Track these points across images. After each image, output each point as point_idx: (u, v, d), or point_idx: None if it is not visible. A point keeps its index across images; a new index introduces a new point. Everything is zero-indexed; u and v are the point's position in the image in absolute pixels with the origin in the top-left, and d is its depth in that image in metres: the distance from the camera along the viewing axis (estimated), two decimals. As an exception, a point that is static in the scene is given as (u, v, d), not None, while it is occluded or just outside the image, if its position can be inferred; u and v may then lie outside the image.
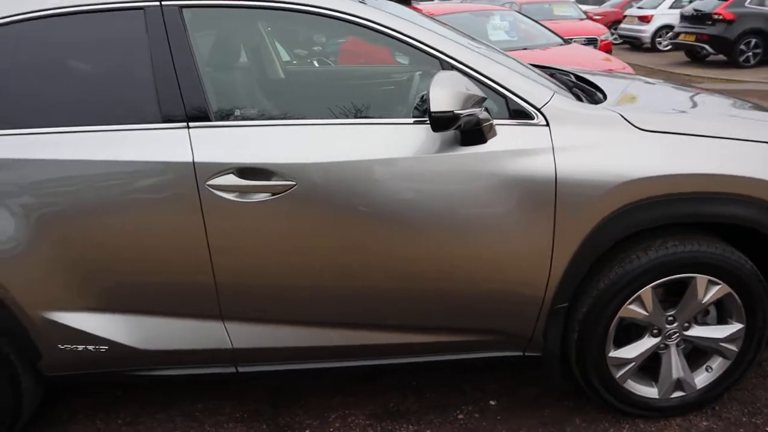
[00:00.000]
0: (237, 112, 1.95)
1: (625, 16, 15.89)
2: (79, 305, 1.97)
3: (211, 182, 1.83)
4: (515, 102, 1.91)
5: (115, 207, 1.86)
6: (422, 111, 1.93)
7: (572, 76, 2.61)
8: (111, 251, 1.90)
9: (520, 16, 8.00)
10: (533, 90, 1.93)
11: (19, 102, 1.91)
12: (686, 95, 2.54)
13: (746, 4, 11.01)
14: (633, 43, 15.25)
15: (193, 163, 1.82)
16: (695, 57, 12.43)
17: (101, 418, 2.36)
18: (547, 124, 1.90)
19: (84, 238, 1.88)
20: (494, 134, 1.82)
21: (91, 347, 2.01)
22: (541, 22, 7.88)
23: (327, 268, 1.93)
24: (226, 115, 1.93)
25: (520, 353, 2.15)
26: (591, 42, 9.36)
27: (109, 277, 1.94)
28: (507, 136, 1.87)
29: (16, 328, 1.96)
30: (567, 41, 7.39)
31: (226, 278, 1.93)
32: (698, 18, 11.49)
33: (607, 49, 9.24)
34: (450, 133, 1.85)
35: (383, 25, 1.92)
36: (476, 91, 1.75)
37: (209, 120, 1.87)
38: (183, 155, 1.83)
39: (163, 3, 1.90)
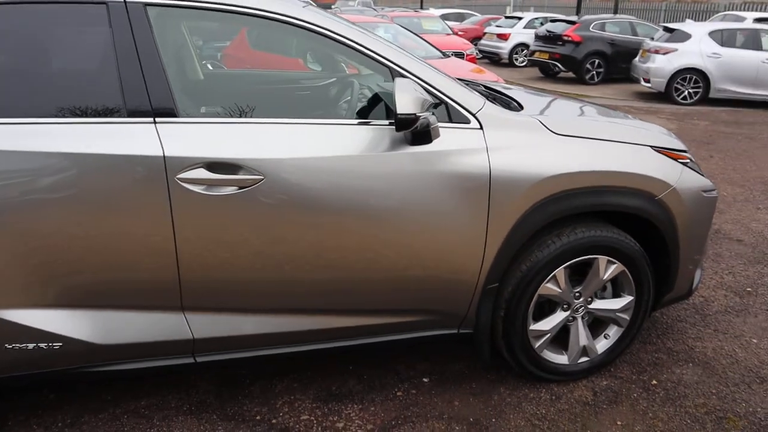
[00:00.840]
0: (203, 109, 1.99)
1: (485, 33, 17.21)
2: (33, 302, 1.89)
3: (180, 176, 1.86)
4: (454, 108, 2.16)
5: (77, 200, 1.83)
6: (363, 113, 2.12)
7: (482, 87, 2.93)
8: (71, 245, 1.86)
9: (401, 29, 8.45)
10: (469, 98, 2.20)
11: None
12: (577, 105, 2.97)
13: (590, 28, 12.49)
14: (492, 59, 16.56)
15: (164, 157, 1.85)
16: (548, 73, 13.82)
17: (37, 423, 2.24)
18: (481, 128, 2.17)
19: (43, 232, 1.83)
20: (438, 135, 2.05)
21: (43, 345, 1.93)
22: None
23: (287, 258, 2.03)
24: (191, 112, 1.97)
25: (455, 331, 2.40)
26: (458, 55, 10.07)
27: (69, 271, 1.89)
28: (448, 137, 2.11)
29: None
30: (445, 54, 7.94)
31: (190, 270, 1.97)
32: (551, 38, 12.81)
33: (473, 62, 10.03)
34: (399, 134, 2.06)
35: (339, 34, 2.08)
36: (429, 97, 1.97)
37: (176, 116, 1.91)
38: (152, 149, 1.85)
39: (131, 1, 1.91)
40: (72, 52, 1.92)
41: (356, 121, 2.09)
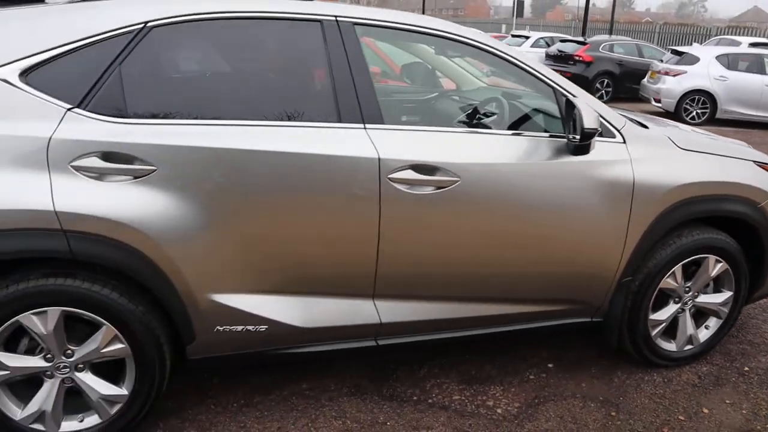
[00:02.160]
0: (404, 118, 2.31)
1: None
2: (246, 288, 2.16)
3: (391, 176, 2.17)
4: (604, 124, 2.50)
5: (297, 196, 2.11)
6: (545, 128, 2.46)
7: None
8: (285, 236, 2.13)
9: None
10: (614, 116, 2.55)
11: (216, 94, 2.10)
12: (678, 125, 3.31)
13: (600, 49, 13.06)
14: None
15: (378, 159, 2.16)
16: (556, 91, 14.32)
17: (214, 403, 2.50)
18: (624, 142, 2.52)
19: (261, 223, 2.10)
20: (594, 148, 2.40)
21: (251, 327, 2.20)
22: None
23: (471, 250, 2.35)
24: (394, 120, 2.28)
25: (589, 319, 2.73)
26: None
27: (283, 260, 2.16)
28: (600, 149, 2.45)
29: (177, 310, 2.09)
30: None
31: (387, 261, 2.26)
32: (562, 58, 13.36)
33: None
34: (562, 144, 2.40)
35: (519, 60, 2.43)
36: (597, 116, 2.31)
37: (382, 123, 2.22)
38: (369, 152, 2.15)
39: (338, 18, 2.22)
40: (292, 63, 2.22)
41: (528, 133, 2.42)
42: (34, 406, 2.10)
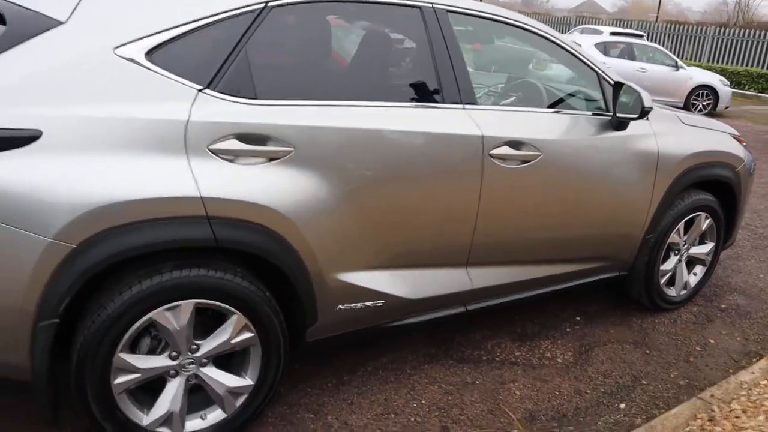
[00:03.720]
0: (492, 99, 2.51)
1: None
2: (367, 264, 2.25)
3: (492, 152, 2.37)
4: (635, 103, 2.90)
5: (410, 173, 2.23)
6: (595, 108, 2.79)
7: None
8: (401, 211, 2.25)
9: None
10: (645, 95, 2.94)
11: (337, 75, 2.16)
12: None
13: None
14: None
15: (482, 136, 2.35)
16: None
17: (310, 386, 2.54)
18: (648, 119, 2.93)
19: (381, 200, 2.20)
20: (629, 123, 2.78)
21: (369, 303, 2.30)
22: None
23: (550, 216, 2.63)
24: (483, 101, 2.48)
25: (617, 274, 3.14)
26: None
27: (395, 234, 2.27)
28: (632, 125, 2.84)
29: (306, 291, 2.12)
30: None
31: (482, 230, 2.46)
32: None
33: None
34: (606, 121, 2.75)
35: (570, 47, 2.72)
36: None
37: (475, 103, 2.41)
38: (474, 130, 2.33)
39: (434, 5, 2.37)
40: (400, 45, 2.34)
41: (586, 112, 2.74)
42: (160, 408, 2.02)
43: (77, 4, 1.84)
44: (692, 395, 2.64)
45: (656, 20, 22.28)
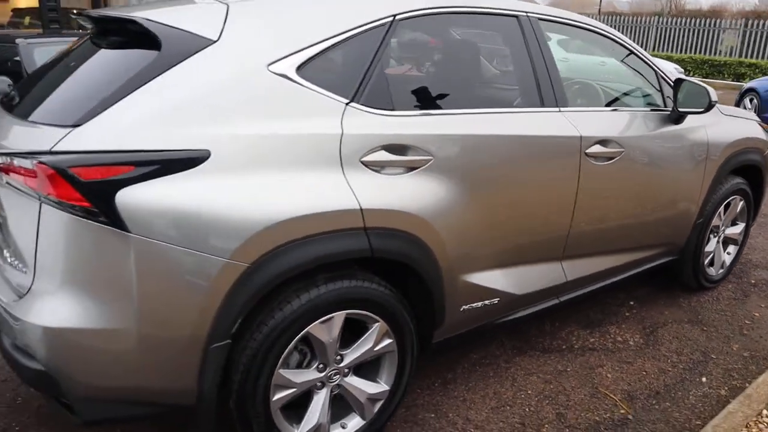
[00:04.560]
0: (579, 101, 2.64)
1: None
2: (486, 264, 2.35)
3: (587, 150, 2.50)
4: (686, 98, 3.10)
5: (524, 174, 2.35)
6: (648, 103, 2.96)
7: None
8: (516, 211, 2.36)
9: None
10: (712, 90, 3.13)
11: (460, 84, 2.25)
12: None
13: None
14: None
15: (580, 137, 2.47)
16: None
17: (420, 387, 2.62)
18: (697, 112, 3.14)
19: (501, 202, 2.30)
20: (686, 117, 2.98)
21: (487, 302, 2.40)
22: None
23: (633, 206, 2.81)
24: (571, 103, 2.60)
25: (672, 258, 3.34)
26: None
27: (509, 233, 2.38)
28: (687, 118, 3.04)
29: (438, 295, 2.19)
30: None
31: (576, 224, 2.59)
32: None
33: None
34: (666, 115, 2.93)
35: (633, 46, 2.88)
36: None
37: (567, 105, 2.53)
38: (573, 131, 2.45)
39: (529, 14, 2.48)
40: (505, 53, 2.44)
41: (646, 108, 2.92)
42: (310, 421, 2.05)
43: (224, 22, 1.84)
44: (760, 365, 2.86)
45: (599, 12, 23.15)
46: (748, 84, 9.59)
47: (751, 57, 15.84)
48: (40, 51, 5.21)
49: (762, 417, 2.41)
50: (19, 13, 11.44)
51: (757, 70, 13.71)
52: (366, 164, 1.93)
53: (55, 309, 1.67)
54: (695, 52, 18.14)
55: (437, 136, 2.07)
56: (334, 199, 1.85)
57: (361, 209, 1.89)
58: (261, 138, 1.77)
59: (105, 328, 1.68)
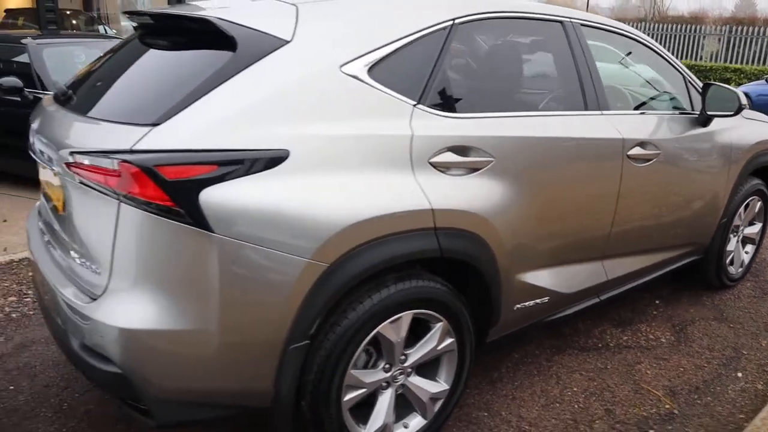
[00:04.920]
0: (618, 104, 2.69)
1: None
2: (538, 264, 2.39)
3: (629, 153, 2.56)
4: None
5: (575, 174, 2.40)
6: (674, 106, 3.03)
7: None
8: (566, 211, 2.41)
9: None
10: (741, 94, 3.20)
11: (515, 88, 2.31)
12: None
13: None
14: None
15: (623, 139, 2.52)
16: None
17: (466, 385, 2.64)
18: (722, 115, 3.23)
19: (554, 202, 2.34)
20: (713, 120, 3.06)
21: (538, 301, 2.43)
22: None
23: (661, 206, 2.86)
24: (606, 106, 2.64)
25: (697, 257, 3.41)
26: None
27: (558, 233, 2.42)
28: (713, 121, 3.11)
29: (495, 294, 2.22)
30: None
31: (617, 224, 2.65)
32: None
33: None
34: (694, 118, 3.00)
35: (662, 51, 2.95)
36: None
37: (608, 109, 2.58)
38: (616, 134, 2.51)
39: (573, 20, 2.53)
40: (552, 57, 2.48)
41: (674, 112, 2.99)
42: (377, 422, 2.06)
43: (296, 23, 1.85)
44: (791, 359, 2.94)
45: (582, 18, 23.49)
46: (741, 88, 9.81)
47: (735, 62, 16.19)
48: (49, 51, 5.14)
49: (804, 409, 2.47)
50: (11, 13, 11.27)
51: (742, 75, 13.99)
52: (434, 165, 1.95)
53: (133, 310, 1.65)
54: (679, 58, 18.48)
55: (498, 137, 2.10)
56: (408, 200, 1.87)
57: (432, 210, 1.91)
58: (336, 138, 1.78)
59: (185, 329, 1.67)
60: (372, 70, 1.89)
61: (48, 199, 2.14)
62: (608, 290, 2.83)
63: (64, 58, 5.29)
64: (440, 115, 1.99)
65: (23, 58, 5.26)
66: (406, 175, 1.88)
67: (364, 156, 1.82)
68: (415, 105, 1.95)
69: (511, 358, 2.87)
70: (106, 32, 10.50)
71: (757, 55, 15.74)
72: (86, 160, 1.67)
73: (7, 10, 11.25)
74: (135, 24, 2.26)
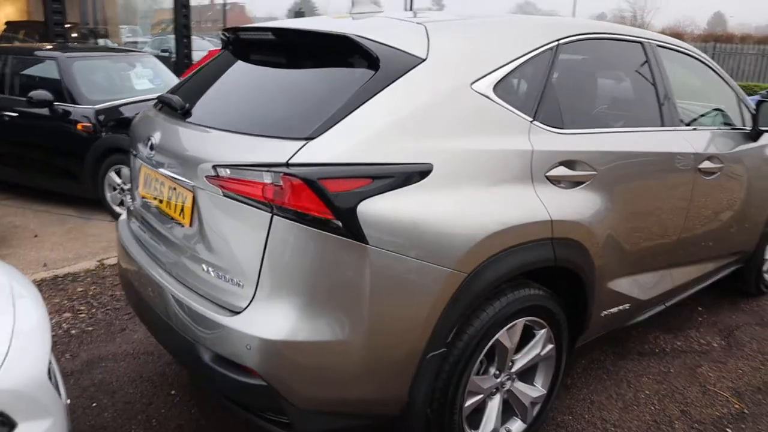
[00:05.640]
0: (685, 120, 2.86)
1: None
2: (623, 272, 2.51)
3: (700, 166, 2.72)
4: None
5: (662, 187, 2.56)
6: (724, 122, 3.21)
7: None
8: (652, 221, 2.56)
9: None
10: None
11: (610, 105, 2.44)
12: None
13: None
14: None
15: (695, 153, 2.68)
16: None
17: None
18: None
19: (641, 212, 2.49)
20: (762, 135, 3.25)
21: (621, 307, 2.56)
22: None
23: (721, 216, 3.04)
24: (680, 122, 2.79)
25: (740, 266, 3.58)
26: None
27: (643, 243, 2.56)
28: (763, 137, 3.30)
29: (589, 301, 2.34)
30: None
31: (685, 234, 2.80)
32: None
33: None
34: (746, 134, 3.19)
35: (718, 69, 3.13)
36: None
37: (681, 125, 2.73)
38: (690, 148, 2.67)
39: (650, 40, 2.68)
40: (639, 75, 2.63)
41: (726, 127, 3.17)
42: (487, 427, 2.15)
43: (428, 41, 1.94)
44: (837, 361, 3.12)
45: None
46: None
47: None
48: (79, 65, 5.13)
49: None
50: (12, 26, 11.10)
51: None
52: (548, 178, 2.06)
53: (281, 322, 1.69)
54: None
55: (601, 152, 2.23)
56: (532, 211, 1.97)
57: (551, 221, 2.01)
58: (470, 153, 1.88)
59: (332, 340, 1.71)
60: (496, 87, 2.00)
61: (163, 212, 2.15)
62: (672, 297, 2.96)
63: (93, 72, 5.28)
64: (552, 131, 2.11)
65: (43, 72, 5.23)
66: (528, 188, 1.99)
67: (494, 169, 1.92)
68: (531, 121, 2.06)
69: (578, 363, 2.99)
70: (107, 45, 10.42)
71: (735, 71, 16.37)
72: (236, 174, 1.72)
73: (7, 23, 11.09)
74: (228, 36, 2.32)
